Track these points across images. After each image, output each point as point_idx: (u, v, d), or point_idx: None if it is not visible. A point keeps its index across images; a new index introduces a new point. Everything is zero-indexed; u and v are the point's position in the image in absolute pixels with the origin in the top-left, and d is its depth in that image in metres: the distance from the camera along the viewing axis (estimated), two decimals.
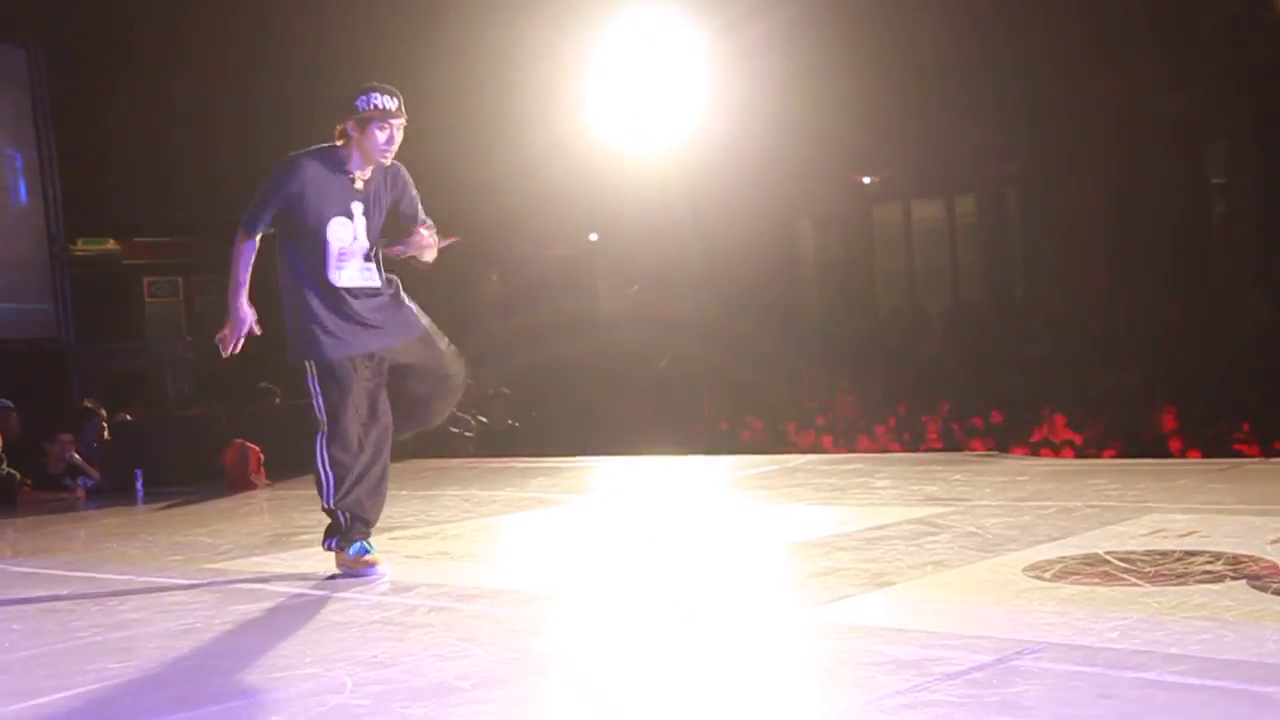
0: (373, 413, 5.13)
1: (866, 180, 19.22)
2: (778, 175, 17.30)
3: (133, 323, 17.98)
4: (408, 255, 5.21)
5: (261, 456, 9.76)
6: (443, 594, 4.72)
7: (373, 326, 5.13)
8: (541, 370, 16.61)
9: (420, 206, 5.31)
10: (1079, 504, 5.76)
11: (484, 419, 12.74)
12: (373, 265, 5.16)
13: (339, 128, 5.10)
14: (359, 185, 5.11)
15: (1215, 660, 3.13)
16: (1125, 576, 4.14)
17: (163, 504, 8.87)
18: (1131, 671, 3.08)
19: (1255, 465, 7.27)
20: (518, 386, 14.01)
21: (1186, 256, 15.96)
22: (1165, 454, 10.55)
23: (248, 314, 5.16)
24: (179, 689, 3.57)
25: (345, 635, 4.10)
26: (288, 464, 10.04)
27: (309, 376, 5.12)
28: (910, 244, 19.23)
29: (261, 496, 9.17)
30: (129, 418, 11.75)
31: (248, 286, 5.15)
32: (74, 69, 15.62)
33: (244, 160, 17.01)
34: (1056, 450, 11.34)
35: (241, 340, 5.18)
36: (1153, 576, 4.11)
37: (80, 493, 10.03)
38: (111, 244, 18.12)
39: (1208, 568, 4.19)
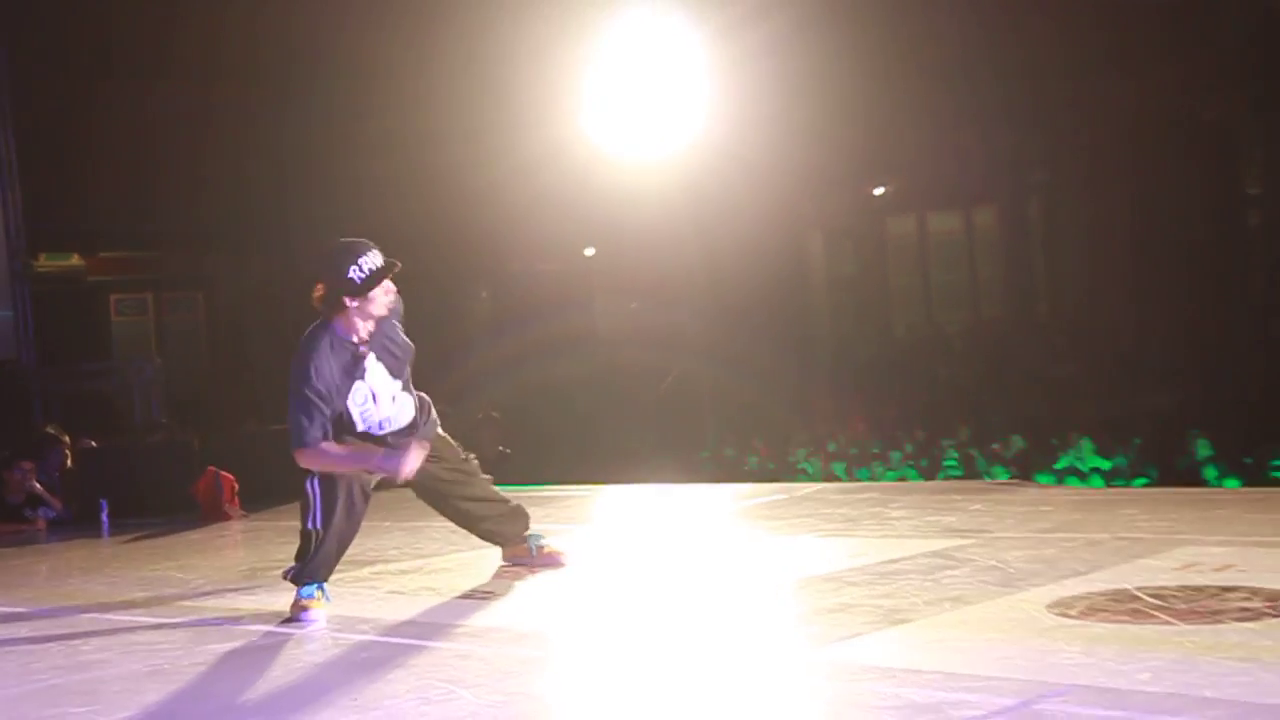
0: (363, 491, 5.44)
1: (879, 191, 19.27)
2: (786, 185, 17.34)
3: (98, 343, 17.99)
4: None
5: (236, 485, 9.75)
6: (428, 632, 4.72)
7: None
8: (534, 392, 16.61)
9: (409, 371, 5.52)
10: (1107, 536, 5.76)
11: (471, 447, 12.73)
12: (400, 407, 5.46)
13: (320, 297, 5.22)
14: (361, 349, 5.30)
15: (1253, 704, 3.13)
16: (1156, 614, 4.13)
17: (130, 536, 8.86)
18: (1164, 716, 3.07)
19: None
20: (509, 410, 14.01)
21: (1220, 271, 15.98)
22: (1199, 482, 10.54)
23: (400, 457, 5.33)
24: None
25: (324, 677, 4.09)
26: (264, 493, 10.04)
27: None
28: (926, 258, 19.26)
29: (236, 528, 9.16)
30: (94, 444, 11.74)
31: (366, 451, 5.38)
32: (35, 70, 15.66)
33: (220, 169, 17.14)
34: (1083, 478, 11.34)
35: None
36: (1186, 614, 4.10)
37: (41, 524, 10.02)
38: (76, 259, 18.15)
39: (1245, 604, 4.19)
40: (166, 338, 18.63)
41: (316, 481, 5.25)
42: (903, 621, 4.30)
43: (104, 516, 9.81)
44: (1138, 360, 15.53)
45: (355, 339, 5.26)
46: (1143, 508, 6.61)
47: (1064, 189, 17.61)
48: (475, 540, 7.15)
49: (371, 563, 6.60)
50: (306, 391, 5.14)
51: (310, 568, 5.22)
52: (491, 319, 21.45)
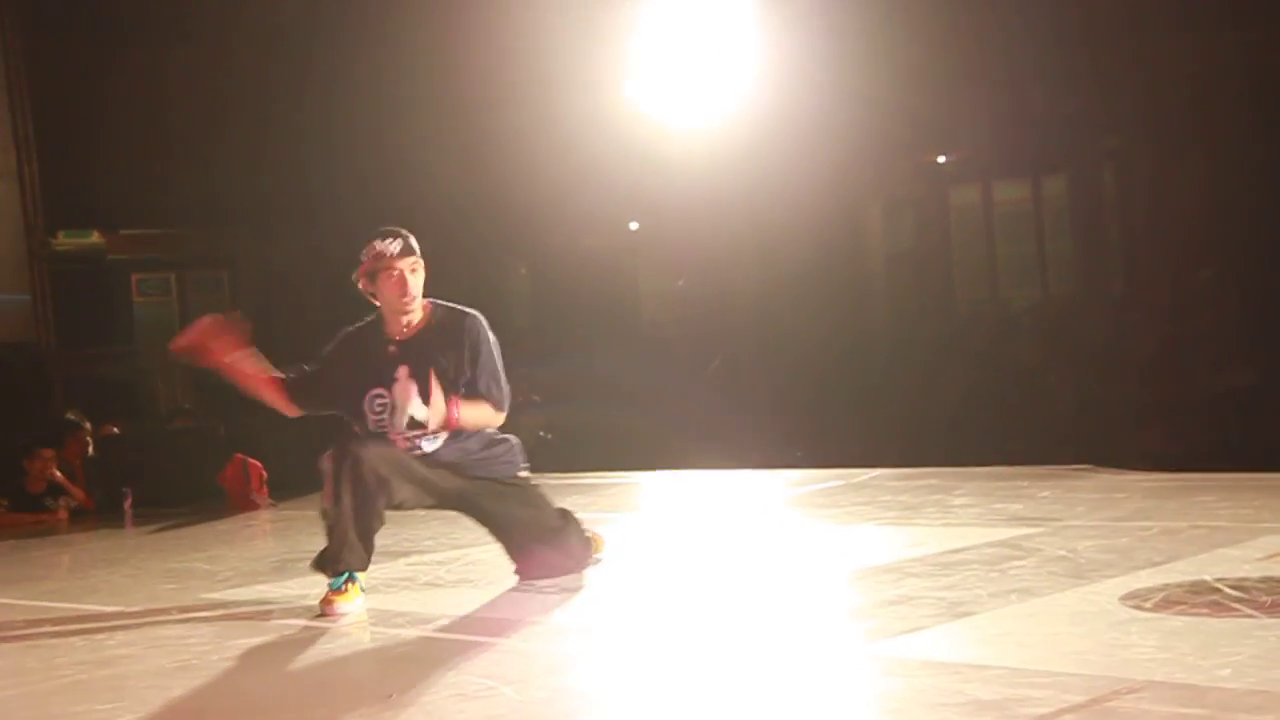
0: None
1: (942, 159, 19.15)
2: (841, 154, 17.25)
3: (120, 325, 18.15)
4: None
5: (264, 474, 9.85)
6: (466, 626, 4.76)
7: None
8: (576, 374, 16.64)
9: (486, 378, 5.45)
10: (1184, 524, 5.73)
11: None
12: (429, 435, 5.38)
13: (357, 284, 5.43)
14: (392, 349, 5.36)
15: None
16: (1237, 606, 4.11)
17: (154, 527, 8.97)
18: (1245, 714, 3.06)
19: None
20: (549, 393, 14.06)
21: None
22: None
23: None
24: None
25: (358, 673, 4.14)
26: (293, 482, 10.13)
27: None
28: (991, 230, 19.13)
29: (264, 518, 9.27)
30: (116, 431, 11.87)
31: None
32: (55, 40, 15.80)
33: (246, 144, 17.23)
34: (1160, 463, 11.25)
35: None
36: (1269, 607, 4.09)
37: (63, 514, 10.15)
38: (96, 236, 18.31)
39: None
40: (191, 319, 18.76)
41: (330, 457, 5.27)
42: (966, 615, 4.30)
43: (127, 506, 9.92)
44: (1218, 337, 15.39)
45: (387, 333, 5.39)
46: (1222, 494, 6.57)
47: (1138, 156, 17.42)
48: None
49: (407, 554, 6.66)
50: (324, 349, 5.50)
51: (330, 553, 5.21)
52: (530, 296, 21.50)
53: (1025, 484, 7.59)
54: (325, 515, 5.24)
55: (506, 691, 3.77)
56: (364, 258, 5.36)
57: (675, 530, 7.13)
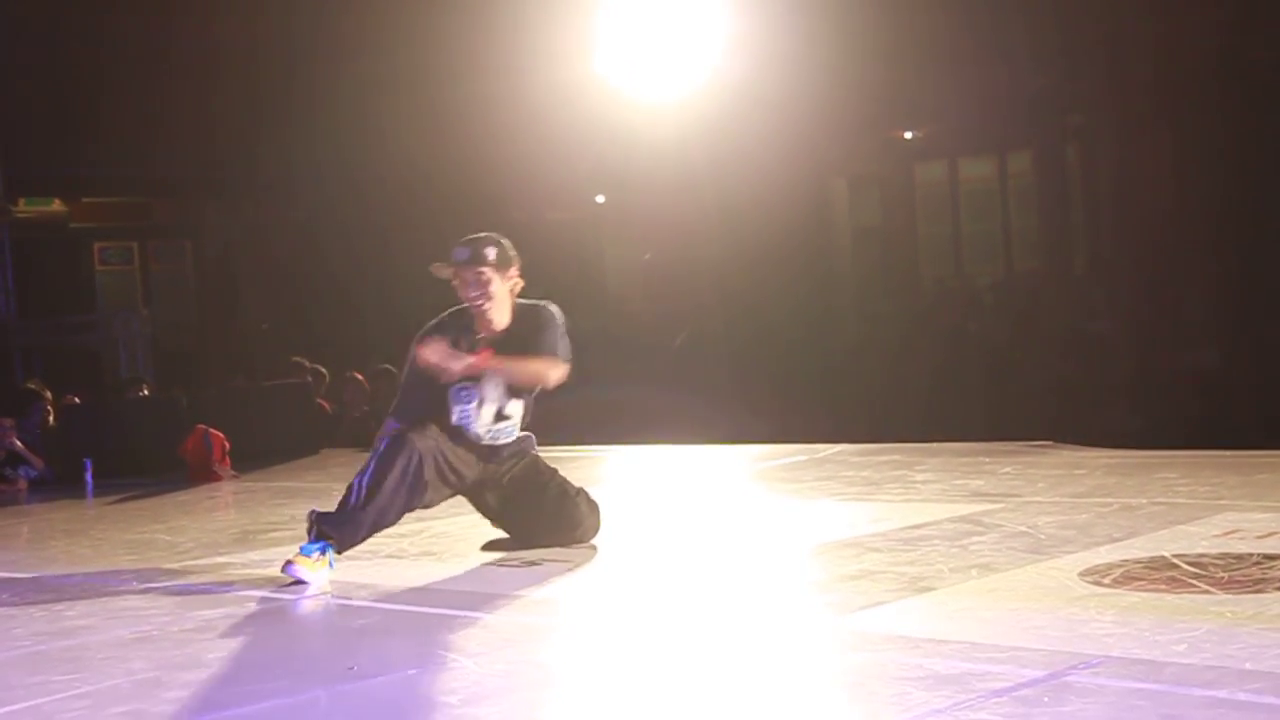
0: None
1: (908, 135, 19.17)
2: (808, 129, 17.25)
3: (81, 294, 18.03)
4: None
5: (227, 444, 9.79)
6: (429, 598, 4.75)
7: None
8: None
9: (549, 337, 5.60)
10: (1144, 501, 5.77)
11: None
12: (503, 427, 5.57)
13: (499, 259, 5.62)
14: (481, 345, 5.52)
15: None
16: (1195, 583, 4.15)
17: (115, 497, 8.91)
18: (1200, 689, 3.09)
19: None
20: None
21: (1269, 221, 15.89)
22: (1243, 445, 10.52)
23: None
24: (132, 704, 3.59)
25: (319, 644, 4.13)
26: (256, 453, 10.10)
27: None
28: (957, 207, 19.19)
29: (226, 489, 9.22)
30: (77, 400, 11.80)
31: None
32: (18, 8, 15.63)
33: (211, 110, 17.10)
34: (1120, 440, 11.32)
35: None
36: (1226, 583, 4.12)
37: (22, 484, 10.08)
38: (57, 204, 18.16)
39: None
40: (153, 289, 18.66)
41: (386, 442, 5.33)
42: (927, 589, 4.32)
43: (88, 476, 9.86)
44: (1180, 316, 15.48)
45: (476, 328, 5.56)
46: (1182, 471, 6.61)
47: (1103, 134, 17.49)
48: None
49: None
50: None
51: (332, 520, 5.21)
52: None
53: (987, 460, 7.62)
54: (354, 488, 5.22)
55: (467, 664, 3.77)
56: (454, 255, 5.64)
57: (639, 505, 7.13)
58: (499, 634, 4.18)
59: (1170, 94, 15.88)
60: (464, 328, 5.61)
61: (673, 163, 16.86)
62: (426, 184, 18.26)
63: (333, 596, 4.89)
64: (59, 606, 5.03)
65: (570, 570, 5.21)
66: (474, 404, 5.49)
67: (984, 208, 18.99)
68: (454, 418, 5.48)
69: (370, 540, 5.91)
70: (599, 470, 8.78)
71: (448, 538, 6.12)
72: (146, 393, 12.10)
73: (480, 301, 5.53)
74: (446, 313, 5.69)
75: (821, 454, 8.56)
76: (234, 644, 4.22)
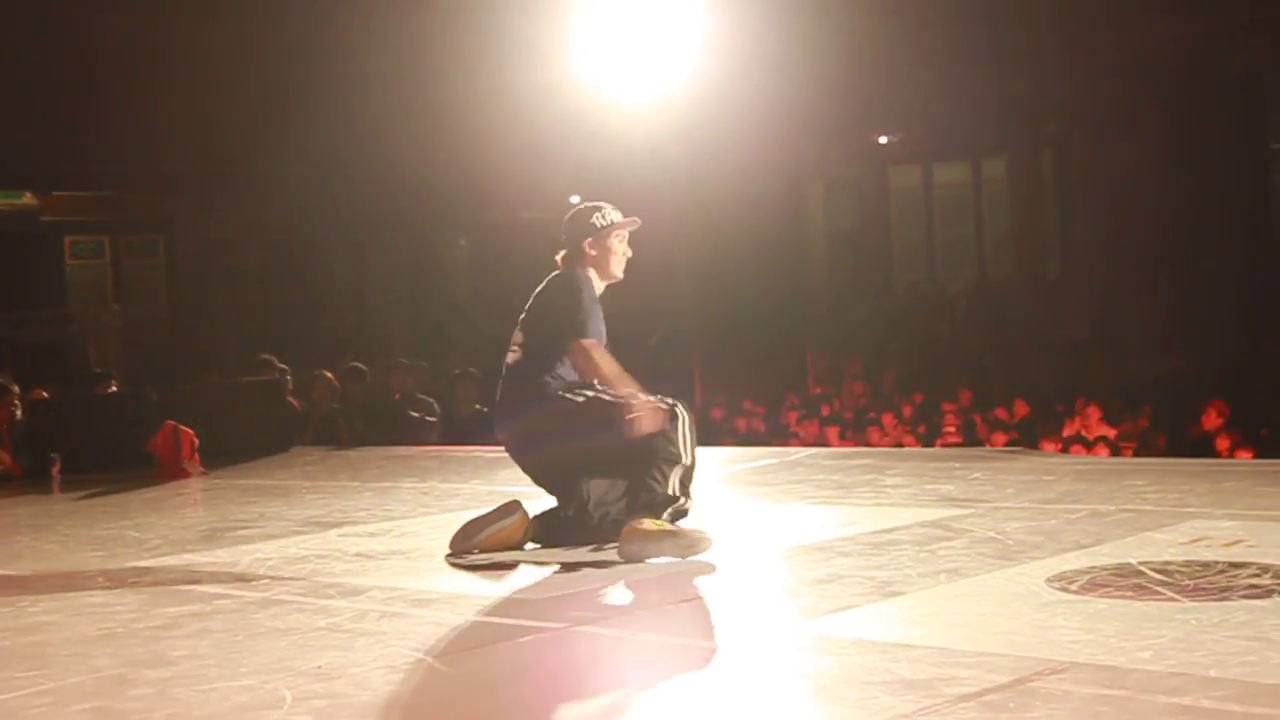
0: None
1: (883, 139, 19.23)
2: (784, 132, 17.31)
3: (51, 288, 17.92)
4: None
5: (196, 441, 9.74)
6: (396, 598, 4.74)
7: None
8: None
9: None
10: (1112, 508, 5.80)
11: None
12: None
13: (563, 255, 5.62)
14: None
15: (1259, 685, 3.16)
16: (1161, 590, 4.17)
17: (83, 493, 8.86)
18: (1165, 696, 3.10)
19: None
20: (486, 367, 14.00)
21: (1242, 231, 16.01)
22: (1211, 453, 10.60)
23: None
24: (96, 701, 3.57)
25: (286, 643, 4.11)
26: (226, 450, 10.06)
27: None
28: (931, 212, 19.26)
29: (195, 486, 9.18)
30: (45, 395, 11.73)
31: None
32: None
33: (184, 105, 17.04)
34: (1089, 447, 11.39)
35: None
36: (1192, 590, 4.14)
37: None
38: (28, 198, 18.05)
39: (1254, 581, 4.23)
40: (124, 283, 18.56)
41: (677, 412, 5.28)
42: (896, 594, 4.33)
43: (55, 472, 9.80)
44: (1151, 324, 15.57)
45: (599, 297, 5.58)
46: (1150, 479, 6.65)
47: (1078, 141, 17.59)
48: (449, 502, 7.18)
49: (339, 524, 6.63)
50: (589, 298, 5.46)
51: (682, 503, 5.29)
52: (469, 269, 21.42)
53: (957, 465, 7.65)
54: (676, 466, 5.23)
55: (435, 664, 3.77)
56: (609, 219, 5.59)
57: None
58: (468, 634, 4.17)
59: (1142, 103, 15.98)
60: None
61: (649, 164, 16.87)
62: (402, 184, 18.23)
63: (301, 595, 4.87)
64: (23, 602, 5.00)
65: (539, 572, 5.21)
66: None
67: (958, 213, 19.08)
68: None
69: (339, 540, 5.89)
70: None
71: (417, 536, 6.11)
72: (114, 388, 12.03)
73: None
74: (580, 277, 5.54)
75: (792, 457, 8.58)
76: (200, 642, 4.20)
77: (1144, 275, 16.41)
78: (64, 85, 16.62)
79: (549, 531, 5.55)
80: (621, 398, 5.25)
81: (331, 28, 16.96)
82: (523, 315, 5.62)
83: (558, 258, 5.67)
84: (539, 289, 5.62)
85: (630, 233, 5.69)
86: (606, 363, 5.37)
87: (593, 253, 5.58)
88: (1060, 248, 18.27)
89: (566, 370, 5.43)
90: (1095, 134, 17.09)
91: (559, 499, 5.59)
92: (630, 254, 5.66)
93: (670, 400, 5.29)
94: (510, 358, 5.58)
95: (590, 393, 5.37)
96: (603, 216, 5.60)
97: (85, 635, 4.37)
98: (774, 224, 18.73)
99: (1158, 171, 16.24)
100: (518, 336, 5.59)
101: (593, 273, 5.58)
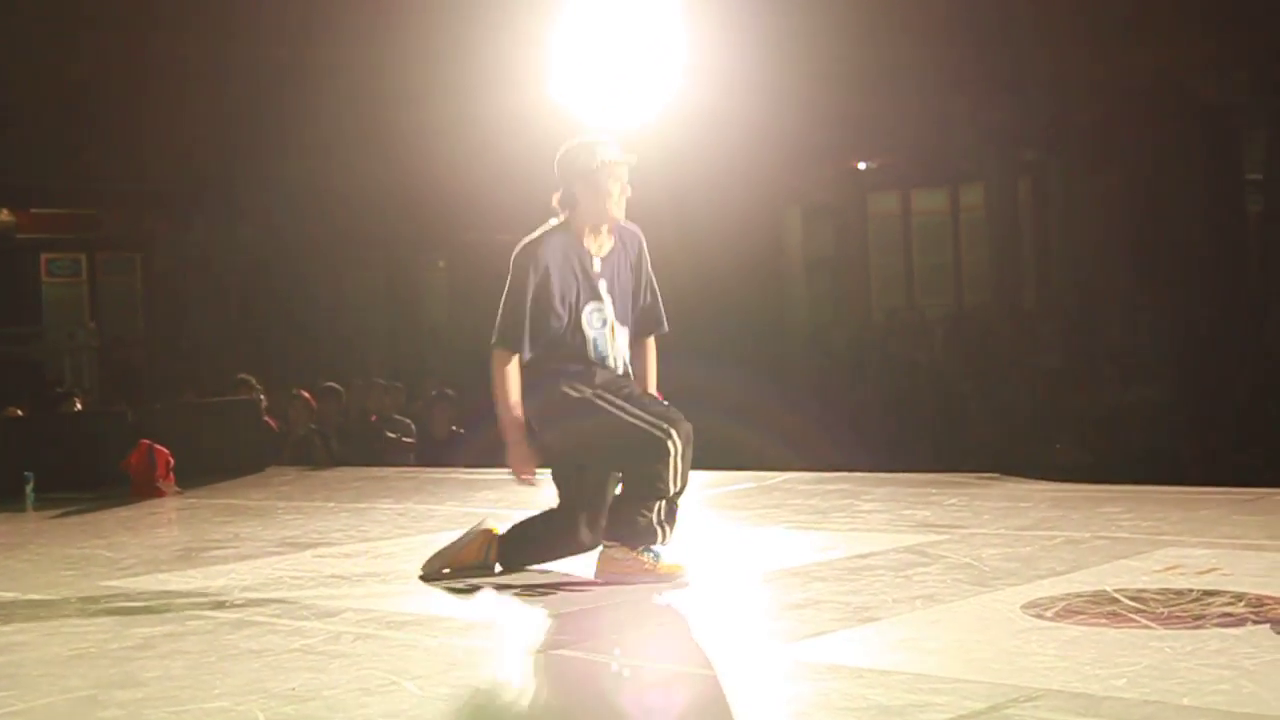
0: None
1: (862, 166, 19.30)
2: (763, 157, 17.35)
3: (27, 305, 17.84)
4: None
5: (171, 460, 9.71)
6: (370, 620, 4.73)
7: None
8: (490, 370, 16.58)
9: (655, 297, 5.47)
10: (1087, 535, 5.81)
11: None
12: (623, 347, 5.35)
13: (558, 197, 5.29)
14: (596, 264, 5.27)
15: (1233, 713, 3.18)
16: (1135, 617, 4.18)
17: (57, 512, 8.82)
18: None
19: None
20: (463, 388, 13.99)
21: (1218, 260, 16.09)
22: (1186, 481, 10.63)
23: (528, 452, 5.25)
24: None
25: (260, 665, 4.09)
26: (201, 470, 10.02)
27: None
28: (909, 239, 19.32)
29: (169, 505, 9.14)
30: (19, 413, 11.67)
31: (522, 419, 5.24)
32: None
33: (162, 123, 17.00)
34: (1065, 474, 11.41)
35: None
36: (1166, 618, 4.15)
37: None
38: (5, 214, 17.98)
39: (1228, 610, 4.24)
40: (101, 302, 18.49)
41: (672, 437, 5.09)
42: (871, 620, 4.34)
43: (29, 490, 9.74)
44: (1128, 352, 15.64)
45: (591, 250, 5.27)
46: (1125, 506, 6.67)
47: (1056, 169, 17.68)
48: (425, 524, 7.17)
49: (314, 545, 6.61)
50: (520, 291, 5.15)
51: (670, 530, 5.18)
52: (449, 291, 21.41)
53: (933, 491, 7.66)
54: (662, 500, 5.10)
55: (409, 686, 3.76)
56: (584, 162, 5.23)
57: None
58: (441, 657, 4.16)
59: (1123, 131, 16.08)
60: (574, 250, 5.23)
61: (630, 191, 16.88)
62: (381, 205, 18.22)
63: (275, 617, 4.86)
64: None
65: (517, 595, 5.20)
66: (605, 329, 5.25)
67: (936, 240, 19.14)
68: (592, 353, 5.24)
69: (314, 561, 5.87)
70: (545, 494, 8.76)
71: (392, 558, 6.09)
72: (80, 407, 11.97)
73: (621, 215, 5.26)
74: (544, 236, 5.25)
75: (770, 482, 8.58)
76: (173, 663, 4.18)
77: (1120, 304, 16.50)
78: (42, 102, 16.57)
79: (518, 549, 5.46)
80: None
81: (310, 49, 16.96)
82: None
83: (554, 200, 5.33)
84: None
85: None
86: (507, 390, 5.19)
87: (586, 196, 5.23)
88: (1037, 275, 18.34)
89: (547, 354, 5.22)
90: (1073, 162, 17.19)
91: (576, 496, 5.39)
92: (629, 193, 5.30)
93: (665, 426, 5.08)
94: None
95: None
96: (594, 155, 5.23)
97: (57, 655, 4.34)
98: (753, 249, 18.77)
99: (1135, 200, 16.33)
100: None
101: (585, 228, 5.27)
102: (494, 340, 5.23)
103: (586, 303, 5.24)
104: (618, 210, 5.29)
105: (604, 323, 5.27)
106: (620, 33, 15.15)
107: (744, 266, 18.37)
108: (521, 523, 5.56)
